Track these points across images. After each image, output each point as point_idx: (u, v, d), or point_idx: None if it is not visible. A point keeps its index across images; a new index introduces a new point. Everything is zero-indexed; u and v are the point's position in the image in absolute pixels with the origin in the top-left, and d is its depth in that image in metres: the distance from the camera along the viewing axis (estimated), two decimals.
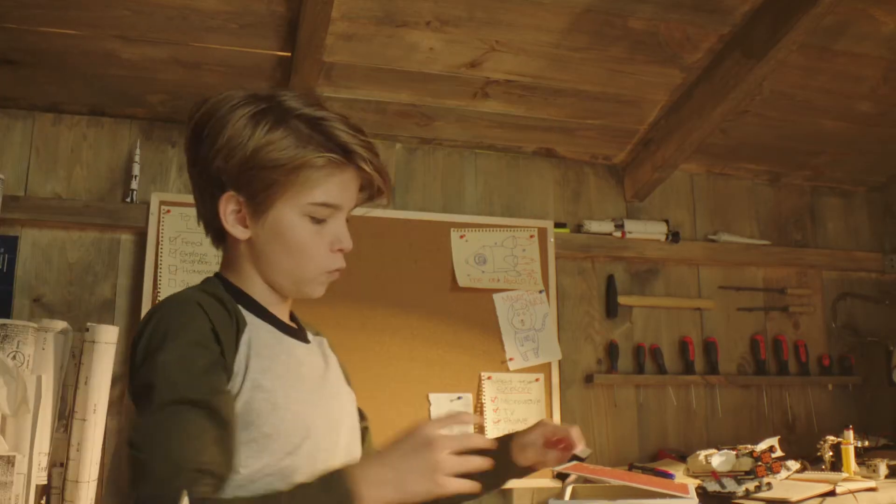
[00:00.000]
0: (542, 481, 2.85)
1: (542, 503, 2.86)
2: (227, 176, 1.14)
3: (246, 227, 1.17)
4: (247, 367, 1.09)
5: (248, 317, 1.17)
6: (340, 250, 1.19)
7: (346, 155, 1.15)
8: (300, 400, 1.13)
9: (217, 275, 1.25)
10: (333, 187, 1.16)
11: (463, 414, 1.01)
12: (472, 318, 2.90)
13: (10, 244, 2.63)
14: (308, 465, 1.08)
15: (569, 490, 2.31)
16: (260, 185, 1.13)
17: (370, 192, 1.24)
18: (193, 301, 1.09)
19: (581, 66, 2.75)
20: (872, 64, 2.88)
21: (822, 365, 3.41)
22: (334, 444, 1.18)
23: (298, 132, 1.14)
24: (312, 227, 1.16)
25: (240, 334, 1.12)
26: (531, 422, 2.87)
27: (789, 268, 3.47)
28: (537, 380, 2.93)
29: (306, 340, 1.27)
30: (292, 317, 1.31)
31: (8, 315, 2.57)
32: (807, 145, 3.32)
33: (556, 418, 2.95)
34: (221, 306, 1.12)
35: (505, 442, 1.35)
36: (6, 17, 2.34)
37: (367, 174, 1.18)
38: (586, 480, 2.47)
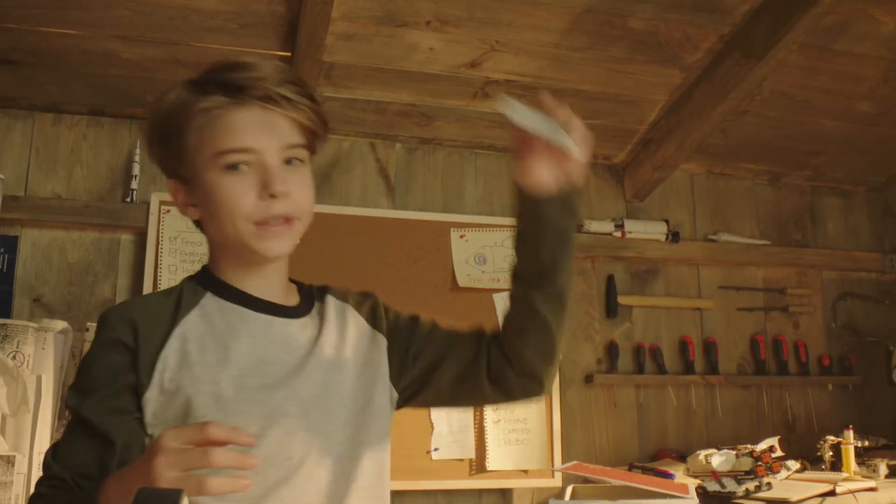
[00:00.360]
0: (541, 481, 2.86)
1: (542, 503, 2.86)
2: (163, 164, 1.14)
3: (194, 206, 1.13)
4: (179, 365, 1.05)
5: (211, 303, 1.12)
6: (273, 196, 1.06)
7: (238, 93, 1.08)
8: (259, 385, 1.06)
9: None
10: (235, 129, 1.07)
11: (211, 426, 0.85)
12: (472, 318, 2.80)
13: (10, 244, 2.63)
14: (284, 452, 1.04)
15: (569, 490, 2.31)
16: (178, 159, 1.10)
17: (310, 130, 1.14)
18: (106, 314, 1.09)
19: (581, 65, 2.75)
20: (872, 64, 2.88)
21: (822, 365, 3.41)
22: (321, 423, 1.09)
23: (192, 90, 1.11)
24: (233, 179, 1.06)
25: (173, 329, 1.07)
26: (531, 422, 2.88)
27: (789, 268, 3.47)
28: None
29: (298, 314, 1.17)
30: (302, 288, 1.23)
31: (8, 315, 2.57)
32: (807, 145, 3.33)
33: (556, 418, 2.95)
34: (162, 304, 1.10)
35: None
36: (6, 17, 2.34)
37: (272, 108, 1.08)
38: (586, 480, 2.48)
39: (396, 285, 2.84)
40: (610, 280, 3.17)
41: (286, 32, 2.46)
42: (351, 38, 2.54)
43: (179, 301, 1.11)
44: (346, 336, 1.18)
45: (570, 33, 2.59)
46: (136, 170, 2.75)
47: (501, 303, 2.94)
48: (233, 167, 1.06)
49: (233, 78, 1.09)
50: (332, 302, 1.22)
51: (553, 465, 2.86)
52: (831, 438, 2.86)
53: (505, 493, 2.88)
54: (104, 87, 2.68)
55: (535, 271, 1.18)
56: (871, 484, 2.52)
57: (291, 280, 1.22)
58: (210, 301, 1.12)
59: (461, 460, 2.80)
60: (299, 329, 1.15)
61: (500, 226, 3.02)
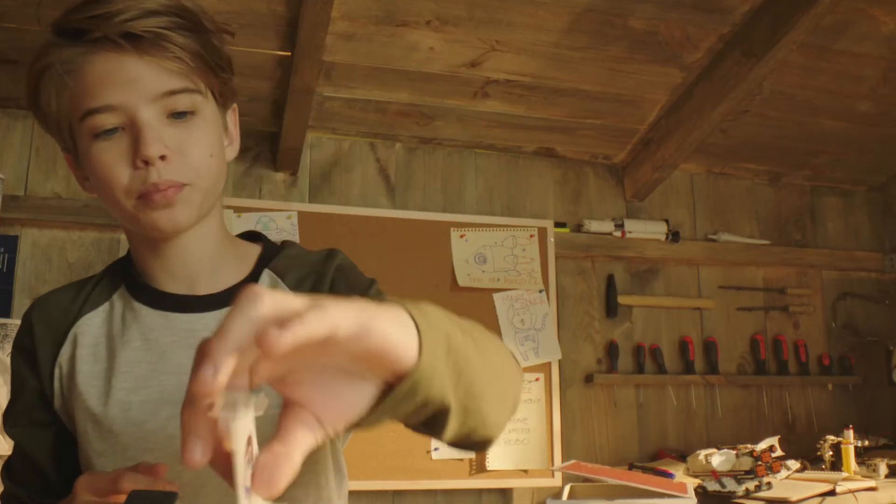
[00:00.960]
0: (541, 481, 2.86)
1: (541, 503, 2.86)
2: (52, 135, 0.93)
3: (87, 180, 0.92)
4: (68, 375, 0.93)
5: (119, 298, 0.96)
6: (146, 162, 0.83)
7: (85, 38, 0.84)
8: (142, 401, 0.89)
9: None
10: (90, 85, 0.84)
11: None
12: (472, 317, 2.86)
13: (10, 244, 2.63)
14: (183, 478, 0.81)
15: (566, 489, 2.32)
16: (56, 128, 0.90)
17: (203, 69, 0.89)
18: (25, 317, 0.97)
19: (581, 65, 2.75)
20: (872, 64, 2.88)
21: (822, 365, 3.41)
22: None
23: (48, 41, 0.88)
24: (104, 146, 0.85)
25: (69, 329, 0.94)
26: (531, 422, 2.88)
27: (789, 267, 3.47)
28: (537, 379, 2.93)
29: (219, 303, 0.93)
30: (261, 262, 0.99)
31: (8, 315, 2.57)
32: (807, 145, 3.33)
33: (556, 418, 2.95)
34: (67, 298, 0.97)
35: None
36: (6, 17, 2.34)
37: (130, 52, 0.84)
38: (586, 480, 2.47)
39: (396, 285, 2.83)
40: (610, 280, 3.17)
41: (286, 32, 2.46)
42: (351, 38, 2.54)
43: (89, 294, 0.96)
44: None
45: (570, 33, 2.59)
46: None
47: (502, 303, 2.94)
48: (106, 133, 0.84)
49: (76, 20, 0.84)
50: (265, 279, 0.97)
51: (553, 465, 2.86)
52: (831, 438, 2.87)
53: (505, 493, 2.89)
54: None
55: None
56: (871, 484, 2.52)
57: (267, 250, 1.01)
58: (120, 295, 0.96)
59: (461, 460, 2.80)
60: (214, 323, 0.86)
61: (501, 226, 3.02)
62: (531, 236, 3.04)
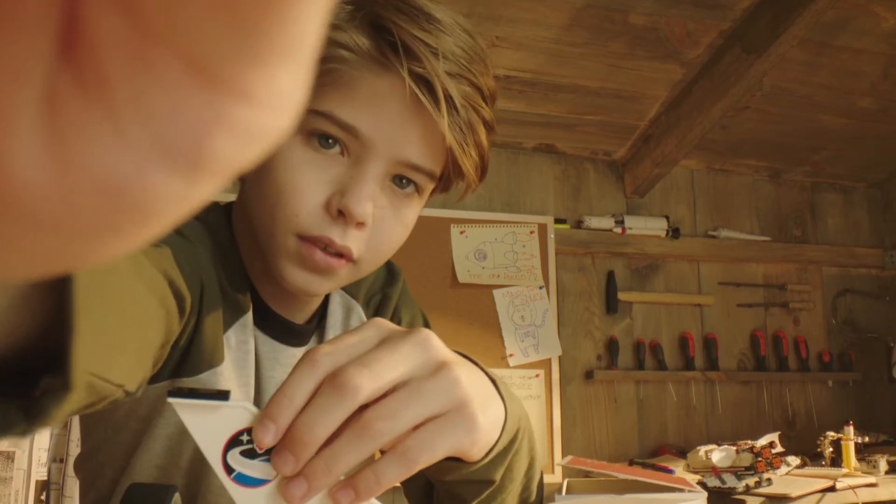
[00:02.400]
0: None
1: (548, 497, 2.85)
2: None
3: None
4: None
5: (248, 321, 0.81)
6: (343, 214, 0.68)
7: (391, 54, 0.67)
8: None
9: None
10: (358, 96, 0.68)
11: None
12: (472, 314, 2.90)
13: None
14: None
15: (564, 484, 2.30)
16: None
17: (454, 161, 0.71)
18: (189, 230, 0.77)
19: (581, 61, 2.75)
20: (873, 60, 2.88)
21: (822, 361, 3.41)
22: None
23: (348, 15, 0.69)
24: (310, 156, 0.69)
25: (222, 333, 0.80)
26: (531, 418, 2.88)
27: (789, 264, 3.47)
28: (537, 376, 2.93)
29: (306, 337, 0.86)
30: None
31: None
32: (807, 141, 3.32)
33: (556, 414, 2.94)
34: (218, 298, 0.78)
35: None
36: None
37: (423, 100, 0.67)
38: (586, 475, 2.47)
39: None
40: (610, 276, 3.17)
41: None
42: None
43: (231, 301, 0.78)
44: None
45: (570, 29, 2.59)
46: None
47: (502, 299, 2.93)
48: (324, 141, 0.69)
49: (398, 30, 0.67)
50: (336, 301, 0.89)
51: (553, 461, 2.86)
52: (831, 434, 2.86)
53: None
54: None
55: None
56: (872, 480, 2.52)
57: None
58: (249, 319, 0.80)
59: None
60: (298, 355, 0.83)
61: (501, 222, 3.02)
62: (531, 232, 3.03)
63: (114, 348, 0.38)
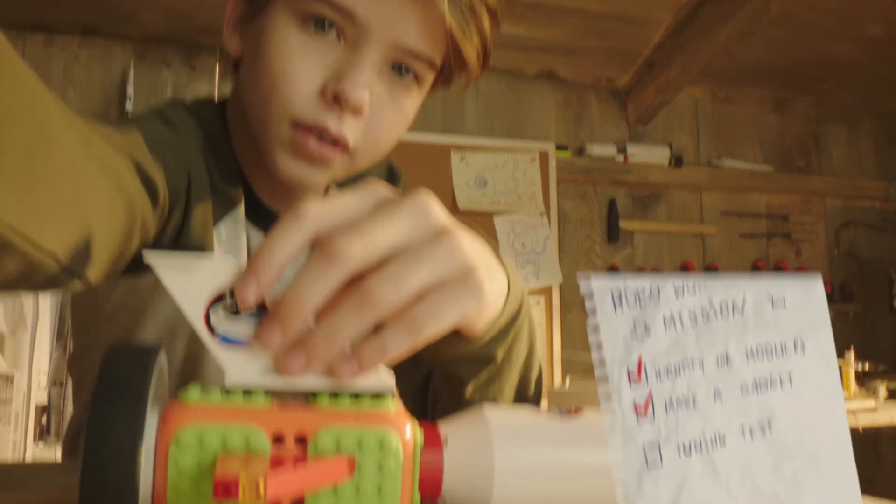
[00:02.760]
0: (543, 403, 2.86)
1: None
2: None
3: (240, 40, 0.74)
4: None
5: (239, 216, 0.79)
6: (338, 99, 0.65)
7: None
8: None
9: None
10: None
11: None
12: None
13: None
14: None
15: (567, 379, 2.32)
16: None
17: (456, 52, 0.69)
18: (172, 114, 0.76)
19: None
20: None
21: (825, 292, 3.39)
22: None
23: None
24: (305, 40, 0.66)
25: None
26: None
27: (793, 195, 3.44)
28: (538, 303, 2.91)
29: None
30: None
31: None
32: (814, 70, 3.26)
33: (557, 341, 2.94)
34: (206, 183, 0.76)
35: None
36: None
37: None
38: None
39: None
40: (612, 204, 3.14)
41: None
42: None
43: (222, 195, 0.76)
44: None
45: None
46: (131, 91, 2.70)
47: (502, 226, 2.91)
48: (319, 26, 0.66)
49: None
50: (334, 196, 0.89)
51: (553, 388, 2.86)
52: None
53: None
54: (96, 5, 2.61)
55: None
56: (871, 405, 2.52)
57: None
58: (240, 213, 0.77)
59: None
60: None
61: (501, 148, 2.98)
62: (532, 160, 2.99)
63: (43, 212, 0.37)
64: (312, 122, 0.66)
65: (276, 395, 0.39)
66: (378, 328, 0.40)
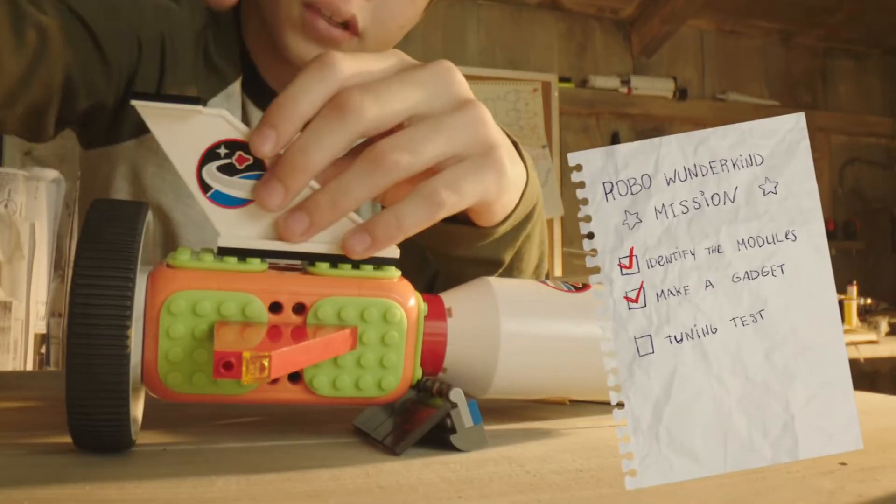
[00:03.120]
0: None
1: None
2: None
3: None
4: None
5: (236, 93, 0.78)
6: None
7: None
8: None
9: None
10: None
11: None
12: None
13: None
14: None
15: None
16: None
17: None
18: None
19: None
20: None
21: (827, 229, 3.36)
22: None
23: None
24: None
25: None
26: None
27: None
28: None
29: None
30: None
31: None
32: (822, 1, 3.20)
33: (557, 273, 2.93)
34: (189, 44, 0.76)
35: None
36: None
37: None
38: None
39: None
40: (614, 137, 3.11)
41: None
42: None
43: (216, 69, 0.75)
44: None
45: None
46: None
47: None
48: None
49: None
50: None
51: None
52: None
53: None
54: None
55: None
56: (873, 337, 2.53)
57: None
58: (235, 90, 0.76)
59: None
60: None
61: (503, 79, 2.94)
62: (534, 90, 2.95)
63: None
64: (323, 1, 0.65)
65: (271, 260, 0.37)
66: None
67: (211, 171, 0.36)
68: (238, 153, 0.36)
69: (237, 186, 0.36)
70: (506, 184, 0.42)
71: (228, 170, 0.36)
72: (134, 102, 0.34)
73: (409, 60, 0.40)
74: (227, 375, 0.29)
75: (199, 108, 0.35)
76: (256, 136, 0.35)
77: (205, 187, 0.36)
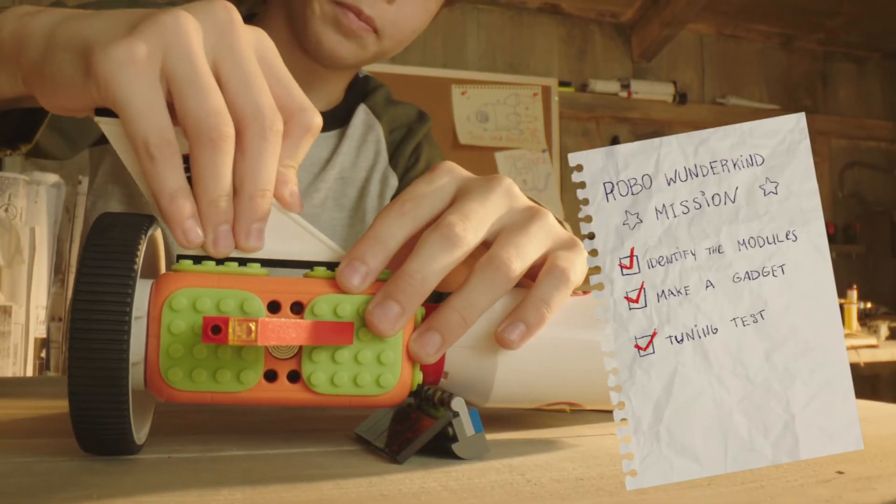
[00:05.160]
0: None
1: None
2: None
3: None
4: None
5: None
6: None
7: None
8: None
9: None
10: None
11: None
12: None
13: None
14: None
15: None
16: None
17: None
18: None
19: None
20: None
21: (827, 233, 3.36)
22: None
23: None
24: None
25: None
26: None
27: None
28: None
29: (326, 125, 0.79)
30: (353, 84, 0.94)
31: None
32: (822, 4, 3.20)
33: None
34: None
35: None
36: None
37: None
38: None
39: None
40: (614, 141, 3.11)
41: None
42: None
43: None
44: (358, 163, 0.91)
45: None
46: None
47: (504, 162, 2.88)
48: None
49: None
50: (361, 114, 0.93)
51: None
52: None
53: None
54: None
55: None
56: (873, 342, 2.53)
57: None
58: None
59: None
60: (318, 143, 0.88)
61: (503, 83, 2.95)
62: (534, 95, 2.96)
63: None
64: (350, 2, 0.75)
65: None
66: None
67: None
68: None
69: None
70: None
71: (190, 183, 0.37)
72: (97, 119, 0.35)
73: (462, 174, 0.43)
74: (215, 340, 0.30)
75: None
76: (347, 269, 0.37)
77: None
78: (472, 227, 0.39)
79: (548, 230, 0.42)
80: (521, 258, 0.40)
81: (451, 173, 0.43)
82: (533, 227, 0.41)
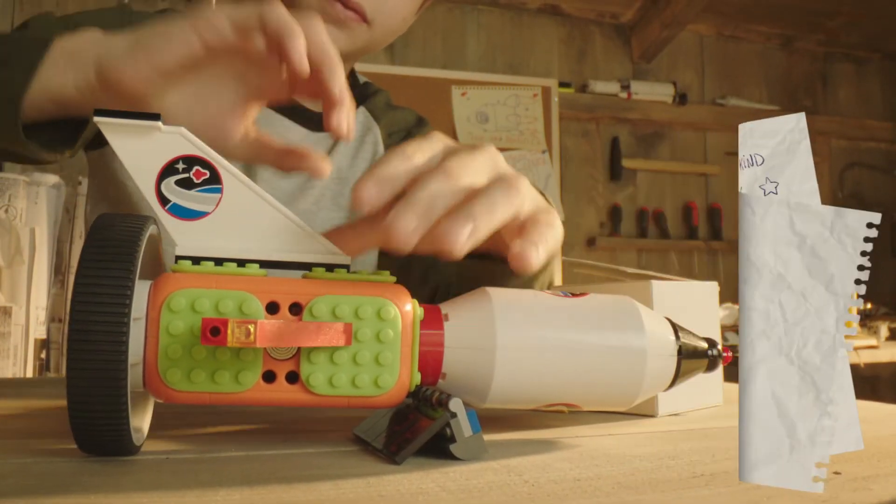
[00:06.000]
0: None
1: None
2: None
3: None
4: None
5: None
6: None
7: None
8: None
9: None
10: None
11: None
12: None
13: None
14: None
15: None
16: None
17: None
18: None
19: None
20: None
21: None
22: None
23: None
24: None
25: None
26: None
27: None
28: None
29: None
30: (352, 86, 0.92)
31: None
32: (822, 5, 3.20)
33: (558, 281, 2.92)
34: None
35: None
36: None
37: None
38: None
39: None
40: (614, 142, 3.11)
41: None
42: None
43: None
44: (355, 163, 0.92)
45: None
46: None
47: None
48: None
49: None
50: (360, 116, 0.94)
51: None
52: None
53: None
54: None
55: None
56: (873, 342, 2.53)
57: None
58: None
59: None
60: (315, 142, 0.88)
61: (503, 84, 2.94)
62: (534, 95, 2.95)
63: None
64: None
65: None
66: None
67: (169, 185, 0.38)
68: (195, 168, 0.38)
69: (194, 200, 0.38)
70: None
71: (186, 184, 0.38)
72: (95, 118, 0.36)
73: (451, 142, 0.45)
74: (215, 342, 0.31)
75: (158, 124, 0.37)
76: (362, 185, 0.38)
77: (163, 200, 0.38)
78: (466, 174, 0.41)
79: (532, 195, 0.44)
80: (520, 195, 0.42)
81: (443, 140, 0.44)
82: (516, 184, 0.42)
